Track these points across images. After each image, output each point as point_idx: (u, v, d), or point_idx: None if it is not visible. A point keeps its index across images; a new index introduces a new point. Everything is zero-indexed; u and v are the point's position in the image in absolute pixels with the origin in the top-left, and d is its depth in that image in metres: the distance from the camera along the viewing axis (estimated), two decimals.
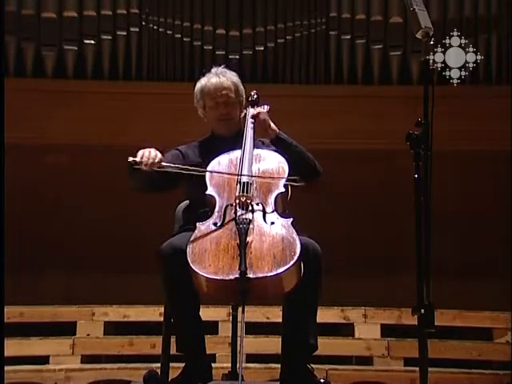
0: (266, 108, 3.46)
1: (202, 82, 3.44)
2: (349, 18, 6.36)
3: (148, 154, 3.13)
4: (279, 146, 3.33)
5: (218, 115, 3.40)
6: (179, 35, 6.30)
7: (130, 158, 3.13)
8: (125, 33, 6.28)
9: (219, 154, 3.26)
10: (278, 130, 3.35)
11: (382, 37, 6.34)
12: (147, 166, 3.11)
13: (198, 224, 3.00)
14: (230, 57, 6.23)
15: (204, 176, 3.18)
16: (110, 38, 6.27)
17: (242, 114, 3.44)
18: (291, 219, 2.99)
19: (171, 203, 3.47)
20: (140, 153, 3.15)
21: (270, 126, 3.34)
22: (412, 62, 6.27)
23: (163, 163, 3.16)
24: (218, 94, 3.38)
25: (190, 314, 3.07)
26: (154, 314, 4.97)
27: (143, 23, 6.31)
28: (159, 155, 3.16)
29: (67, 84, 6.20)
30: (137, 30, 6.30)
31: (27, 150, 5.99)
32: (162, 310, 3.29)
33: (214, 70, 3.47)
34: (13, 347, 4.71)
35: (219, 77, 3.41)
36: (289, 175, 3.19)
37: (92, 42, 6.24)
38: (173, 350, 3.17)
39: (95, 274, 5.94)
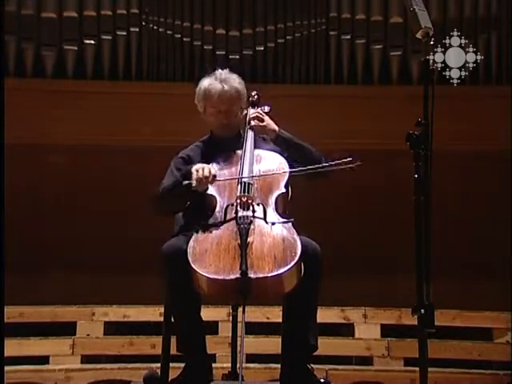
0: (266, 109, 3.48)
1: (206, 84, 3.38)
2: (349, 18, 6.35)
3: (202, 173, 3.07)
4: (280, 144, 3.33)
5: (219, 123, 3.37)
6: (179, 35, 6.30)
7: (186, 182, 3.05)
8: (125, 33, 6.28)
9: (220, 155, 3.26)
10: (277, 130, 3.35)
11: (382, 37, 6.34)
12: (202, 184, 3.07)
13: (198, 224, 3.00)
14: (230, 57, 6.22)
15: None
16: (109, 38, 6.26)
17: (243, 115, 3.43)
18: (292, 220, 3.00)
19: None
20: (194, 174, 3.07)
21: (267, 126, 3.34)
22: (412, 61, 6.26)
23: (217, 179, 3.11)
24: (221, 103, 3.33)
25: (191, 314, 3.07)
26: (154, 314, 4.97)
27: (143, 23, 6.31)
28: (213, 170, 3.11)
29: (67, 84, 6.20)
30: (137, 29, 6.29)
31: (27, 149, 5.99)
32: (162, 310, 3.29)
33: (218, 73, 3.39)
34: (13, 347, 4.71)
35: (223, 85, 3.33)
36: (290, 173, 3.19)
37: (92, 42, 6.24)
38: (173, 350, 3.18)
39: (95, 273, 5.93)
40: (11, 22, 6.05)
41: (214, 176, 3.10)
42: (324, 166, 3.14)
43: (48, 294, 5.75)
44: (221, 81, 3.36)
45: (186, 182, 3.07)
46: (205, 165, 3.13)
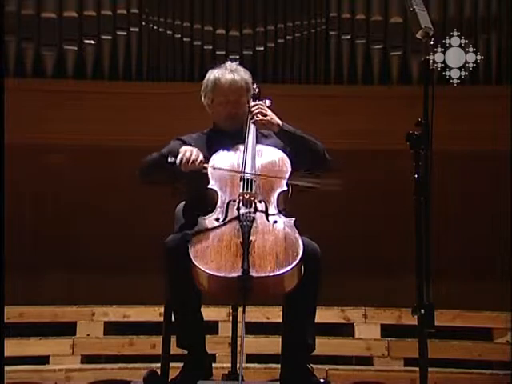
0: (267, 102, 3.44)
1: (216, 74, 3.37)
2: (349, 18, 6.35)
3: (189, 154, 3.07)
4: (283, 137, 3.31)
5: (227, 113, 3.35)
6: (179, 35, 6.29)
7: (171, 159, 3.05)
8: (125, 33, 6.27)
9: (222, 147, 3.24)
10: (281, 124, 3.31)
11: (382, 37, 6.33)
12: (185, 166, 3.05)
13: (199, 219, 2.99)
14: (230, 57, 6.22)
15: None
16: (109, 38, 6.26)
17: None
18: (293, 219, 2.99)
19: (171, 203, 3.47)
20: (181, 153, 3.07)
21: (269, 120, 3.30)
22: (412, 61, 6.26)
23: (204, 165, 3.10)
24: (231, 92, 3.32)
25: (192, 308, 3.07)
26: (154, 313, 4.96)
27: (143, 23, 6.30)
28: (201, 156, 3.11)
29: (67, 84, 6.19)
30: (137, 30, 6.29)
31: (27, 149, 5.98)
32: (162, 310, 3.29)
33: (228, 64, 3.41)
34: (12, 347, 4.70)
35: (234, 74, 3.34)
36: (293, 169, 3.18)
37: (92, 41, 6.23)
38: (173, 350, 3.17)
39: (95, 273, 5.93)
40: (11, 22, 6.05)
41: (202, 161, 3.08)
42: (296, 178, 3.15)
43: (48, 294, 5.75)
44: (231, 71, 3.36)
45: (171, 159, 3.06)
46: (194, 148, 3.13)
